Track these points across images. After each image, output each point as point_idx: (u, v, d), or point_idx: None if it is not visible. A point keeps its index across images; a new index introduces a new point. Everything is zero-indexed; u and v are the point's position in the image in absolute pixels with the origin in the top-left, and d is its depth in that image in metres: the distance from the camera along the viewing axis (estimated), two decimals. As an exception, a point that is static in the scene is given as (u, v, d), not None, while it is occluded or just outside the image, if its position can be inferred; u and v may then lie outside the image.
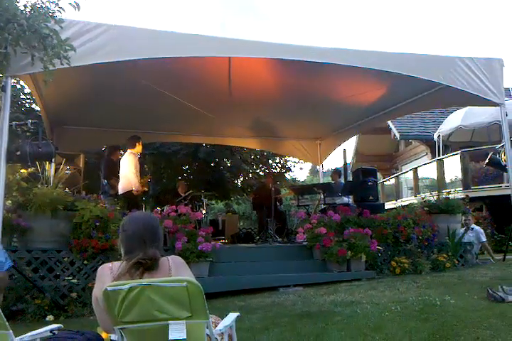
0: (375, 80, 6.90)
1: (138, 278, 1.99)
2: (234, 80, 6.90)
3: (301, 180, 25.60)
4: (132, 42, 4.96)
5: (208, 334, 1.95)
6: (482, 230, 8.89)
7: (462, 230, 7.95)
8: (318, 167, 11.54)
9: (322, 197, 8.51)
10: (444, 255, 6.84)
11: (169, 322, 1.86)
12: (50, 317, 4.65)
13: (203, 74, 6.75)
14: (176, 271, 2.10)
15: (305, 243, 6.81)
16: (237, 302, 5.09)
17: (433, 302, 4.34)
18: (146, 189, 8.30)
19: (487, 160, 7.27)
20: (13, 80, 4.99)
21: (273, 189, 8.86)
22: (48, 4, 4.16)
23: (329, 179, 10.98)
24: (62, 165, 6.07)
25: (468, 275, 6.07)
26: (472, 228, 8.63)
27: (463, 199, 8.12)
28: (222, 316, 2.43)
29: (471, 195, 10.91)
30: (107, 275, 2.05)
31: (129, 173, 7.14)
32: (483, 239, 8.73)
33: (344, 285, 5.83)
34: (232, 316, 2.40)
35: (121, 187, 7.23)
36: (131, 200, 7.16)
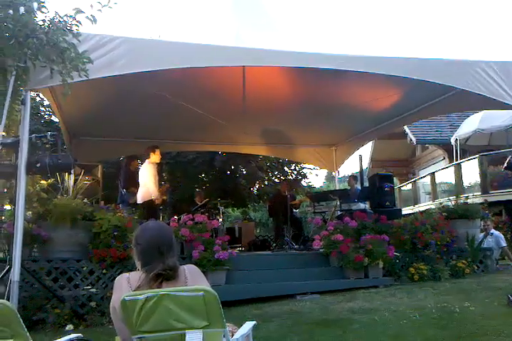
0: (390, 86, 6.89)
1: (156, 288, 1.99)
2: (248, 88, 6.93)
3: (317, 186, 25.44)
4: (147, 53, 5.03)
5: (225, 343, 1.95)
6: (502, 235, 8.76)
7: (481, 235, 7.85)
8: (334, 173, 11.51)
9: (338, 203, 8.49)
10: (464, 261, 6.77)
11: (186, 331, 1.87)
12: (69, 327, 4.69)
13: (218, 84, 6.80)
14: (192, 280, 2.10)
15: (321, 250, 6.80)
16: (254, 311, 5.10)
17: (452, 310, 4.31)
18: (165, 197, 8.37)
19: (505, 164, 7.20)
20: (32, 93, 5.09)
21: (289, 196, 8.86)
22: (65, 18, 4.25)
23: (345, 185, 10.91)
24: (80, 176, 6.17)
25: (488, 281, 5.99)
26: (491, 233, 8.52)
27: (481, 204, 8.03)
28: (239, 324, 2.44)
29: (490, 199, 10.77)
30: (125, 286, 2.06)
31: (148, 182, 7.28)
32: (503, 244, 8.61)
33: (362, 292, 5.80)
34: (248, 325, 2.41)
35: (141, 196, 7.37)
36: (149, 209, 7.31)
